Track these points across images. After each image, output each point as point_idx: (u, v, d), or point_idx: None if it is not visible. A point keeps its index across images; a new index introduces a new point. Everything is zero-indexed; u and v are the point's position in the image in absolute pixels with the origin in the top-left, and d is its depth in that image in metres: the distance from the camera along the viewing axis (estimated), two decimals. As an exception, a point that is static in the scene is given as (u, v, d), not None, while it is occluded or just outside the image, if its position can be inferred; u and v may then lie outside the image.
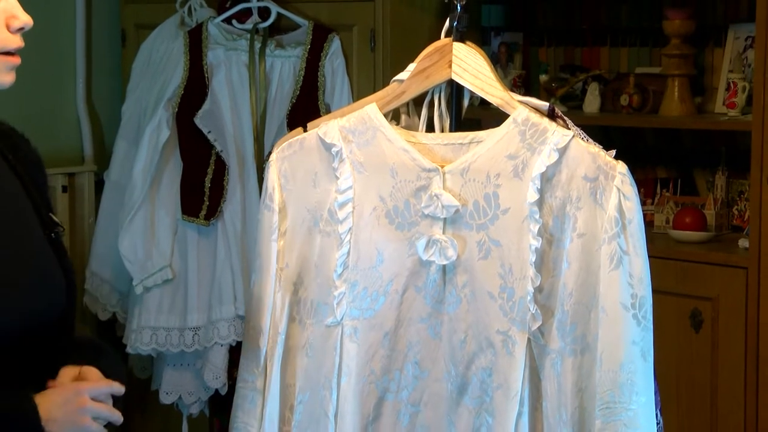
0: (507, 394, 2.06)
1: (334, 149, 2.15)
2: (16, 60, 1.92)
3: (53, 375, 1.92)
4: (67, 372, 1.92)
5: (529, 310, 2.04)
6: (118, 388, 1.91)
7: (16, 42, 1.91)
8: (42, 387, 1.90)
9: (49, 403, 1.85)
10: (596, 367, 2.00)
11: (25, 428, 1.84)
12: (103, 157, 4.21)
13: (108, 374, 1.95)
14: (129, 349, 3.85)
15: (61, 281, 2.02)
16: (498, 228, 2.07)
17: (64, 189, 4.09)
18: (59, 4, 4.15)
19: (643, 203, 2.01)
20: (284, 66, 3.77)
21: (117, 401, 1.93)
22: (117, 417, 1.91)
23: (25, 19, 1.91)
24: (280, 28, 3.83)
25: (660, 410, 2.10)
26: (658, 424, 2.07)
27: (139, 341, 3.81)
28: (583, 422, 2.02)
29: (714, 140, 3.53)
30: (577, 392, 2.03)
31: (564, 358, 2.03)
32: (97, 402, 1.88)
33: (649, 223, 3.32)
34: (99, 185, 4.16)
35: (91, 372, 1.93)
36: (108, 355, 2.09)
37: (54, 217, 2.08)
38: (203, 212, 3.74)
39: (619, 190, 1.99)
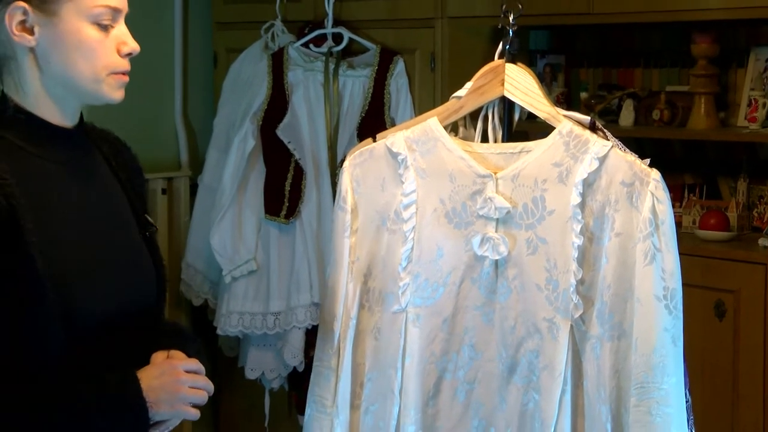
0: (552, 374, 2.04)
1: (399, 157, 2.14)
2: (126, 78, 1.94)
3: (147, 358, 1.93)
4: (158, 356, 1.94)
5: (572, 300, 2.02)
6: (201, 367, 1.93)
7: (124, 65, 1.93)
8: (139, 367, 1.92)
9: (149, 376, 1.88)
10: (632, 351, 1.98)
11: (129, 398, 1.86)
12: (197, 163, 4.24)
13: (191, 357, 1.97)
14: (219, 331, 3.88)
15: (152, 274, 2.04)
16: (544, 227, 2.05)
17: (164, 191, 4.12)
18: (160, 30, 4.19)
19: (672, 206, 1.99)
20: (355, 84, 3.77)
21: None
22: (210, 386, 1.93)
23: (133, 46, 1.93)
24: (352, 51, 3.83)
25: (688, 390, 2.07)
26: (687, 402, 2.04)
27: (227, 324, 3.83)
28: (620, 399, 2.00)
29: (736, 151, 3.49)
30: (615, 373, 2.01)
31: (603, 343, 2.01)
32: (191, 373, 1.91)
33: (677, 224, 3.27)
34: (193, 188, 4.18)
35: (179, 354, 1.96)
36: (191, 340, 2.11)
37: (149, 218, 2.10)
38: (283, 212, 3.75)
39: (653, 194, 1.97)
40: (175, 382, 1.88)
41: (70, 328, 1.84)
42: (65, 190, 1.93)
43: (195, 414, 1.91)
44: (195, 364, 1.93)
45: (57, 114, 1.94)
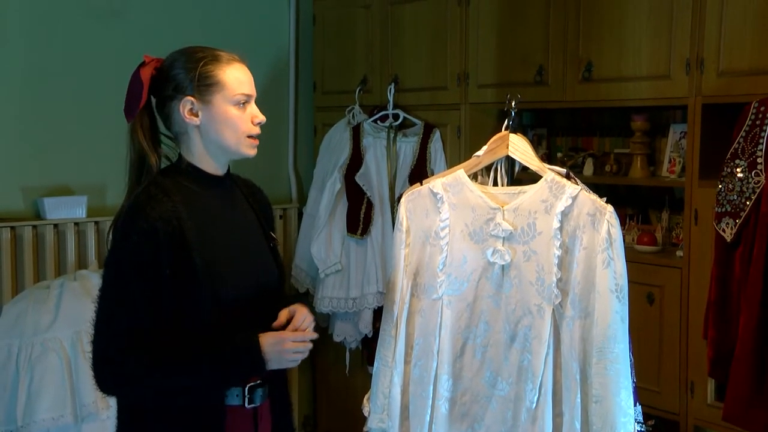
0: (540, 341, 2.01)
1: (438, 196, 2.13)
2: (257, 141, 1.97)
3: (269, 322, 1.94)
4: (283, 313, 1.94)
5: (554, 292, 1.99)
6: (315, 336, 1.91)
7: (256, 131, 1.97)
8: (268, 328, 1.92)
9: (266, 342, 1.88)
10: (593, 326, 1.95)
11: (252, 354, 1.86)
12: (303, 199, 4.25)
13: (311, 310, 1.96)
14: (316, 310, 3.86)
15: (274, 270, 2.05)
16: (535, 243, 2.03)
17: (280, 217, 4.14)
18: (280, 112, 4.22)
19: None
20: (407, 147, 3.76)
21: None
22: (307, 349, 1.91)
23: (261, 117, 1.96)
24: (405, 125, 3.82)
25: (631, 352, 2.03)
26: (630, 361, 2.01)
27: (322, 305, 3.83)
28: (585, 359, 1.97)
29: (661, 192, 3.44)
30: (582, 341, 1.98)
31: (574, 321, 1.98)
32: (296, 342, 1.89)
33: (622, 241, 3.24)
34: (300, 215, 4.20)
35: (300, 307, 1.95)
36: (307, 303, 2.11)
37: (273, 234, 2.11)
38: (359, 231, 3.74)
39: (608, 221, 1.94)
40: (282, 349, 1.87)
41: (218, 303, 1.86)
42: (218, 214, 1.96)
43: (293, 366, 1.91)
44: (301, 334, 1.91)
45: (213, 166, 1.97)
